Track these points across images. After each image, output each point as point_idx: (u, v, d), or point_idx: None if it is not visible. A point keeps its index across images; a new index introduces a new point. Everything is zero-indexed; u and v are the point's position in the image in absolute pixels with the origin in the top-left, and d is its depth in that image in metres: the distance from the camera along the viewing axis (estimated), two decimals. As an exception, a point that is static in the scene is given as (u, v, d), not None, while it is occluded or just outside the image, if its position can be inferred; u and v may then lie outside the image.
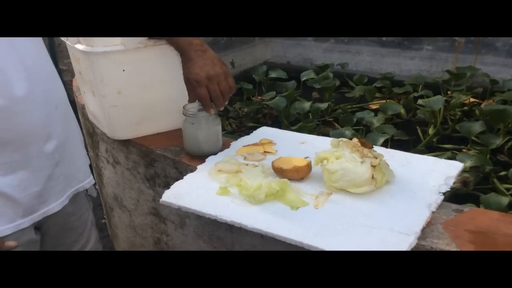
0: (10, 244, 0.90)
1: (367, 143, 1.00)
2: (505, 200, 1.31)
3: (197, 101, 1.12)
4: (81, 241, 1.15)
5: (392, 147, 1.25)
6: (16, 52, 0.86)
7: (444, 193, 0.94)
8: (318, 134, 1.32)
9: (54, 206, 1.01)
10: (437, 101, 1.93)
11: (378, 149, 1.06)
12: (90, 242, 1.18)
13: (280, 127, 1.41)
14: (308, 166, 1.03)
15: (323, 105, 2.04)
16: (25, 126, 0.90)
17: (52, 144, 0.97)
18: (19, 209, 0.93)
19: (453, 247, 0.79)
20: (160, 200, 0.98)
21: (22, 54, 0.87)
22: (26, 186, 0.93)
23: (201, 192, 0.99)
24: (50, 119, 0.96)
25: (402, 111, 2.05)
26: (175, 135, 1.27)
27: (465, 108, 2.09)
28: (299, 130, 1.64)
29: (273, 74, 2.45)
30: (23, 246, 0.94)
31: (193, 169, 1.10)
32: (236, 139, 1.26)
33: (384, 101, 2.19)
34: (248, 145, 1.20)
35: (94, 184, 1.18)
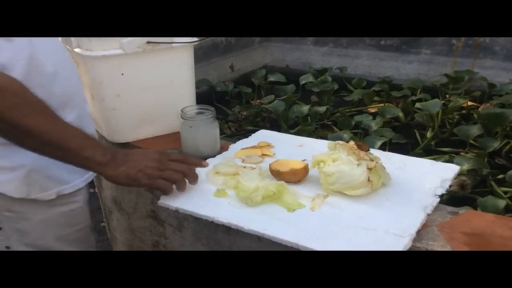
0: (205, 164, 1.04)
1: (364, 146, 1.00)
2: (502, 203, 1.32)
3: (195, 103, 1.13)
4: None
5: (390, 150, 1.25)
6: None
7: (440, 196, 0.95)
8: (316, 138, 1.32)
9: None
10: (435, 105, 1.94)
11: (374, 152, 1.07)
12: None
13: (279, 131, 1.42)
14: (305, 169, 1.03)
15: (322, 109, 2.05)
16: (73, 88, 0.99)
17: (88, 106, 1.07)
18: None
19: (448, 249, 0.80)
20: (158, 202, 0.99)
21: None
22: None
23: (198, 194, 1.00)
24: (80, 84, 1.06)
25: (400, 114, 2.06)
26: (174, 138, 1.28)
27: (463, 111, 2.10)
28: (298, 133, 1.65)
29: (272, 78, 2.46)
30: (85, 202, 1.04)
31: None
32: (235, 142, 1.27)
33: (382, 104, 2.20)
34: (246, 148, 1.21)
35: None
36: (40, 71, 0.88)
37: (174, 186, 0.97)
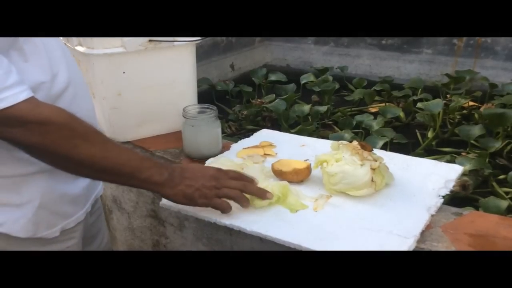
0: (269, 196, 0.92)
1: (367, 146, 1.00)
2: (504, 204, 1.31)
3: (196, 102, 1.12)
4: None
5: (391, 150, 1.25)
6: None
7: (443, 197, 0.94)
8: (317, 137, 1.32)
9: (99, 189, 1.04)
10: (436, 105, 1.93)
11: (378, 152, 1.06)
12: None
13: (279, 130, 1.41)
14: (308, 169, 1.03)
15: (323, 108, 2.04)
16: (86, 108, 0.94)
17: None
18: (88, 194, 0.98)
19: (452, 250, 0.79)
20: (160, 203, 0.98)
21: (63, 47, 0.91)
22: None
23: (200, 194, 0.99)
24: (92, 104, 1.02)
25: (401, 114, 2.05)
26: (175, 137, 1.27)
27: (464, 111, 2.10)
28: (299, 133, 1.64)
29: (272, 77, 2.45)
30: (80, 237, 0.98)
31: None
32: (236, 142, 1.26)
33: (383, 104, 2.19)
34: (248, 147, 1.20)
35: None
36: (58, 83, 0.85)
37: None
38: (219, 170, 0.93)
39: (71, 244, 0.96)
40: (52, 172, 0.84)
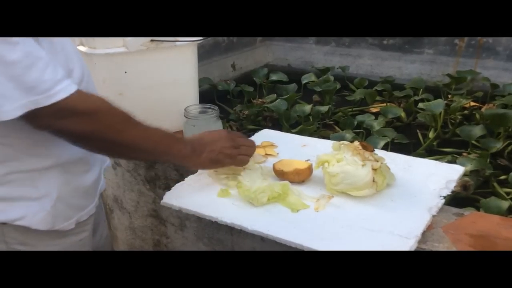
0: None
1: (369, 146, 1.00)
2: (505, 204, 1.31)
3: (198, 102, 1.13)
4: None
5: (392, 150, 1.25)
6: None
7: (444, 197, 0.94)
8: (318, 137, 1.32)
9: (102, 183, 1.07)
10: (437, 105, 1.93)
11: (379, 152, 1.06)
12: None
13: (280, 130, 1.41)
14: (309, 169, 1.03)
15: (324, 108, 2.04)
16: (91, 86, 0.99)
17: None
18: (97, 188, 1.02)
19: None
20: (161, 201, 0.99)
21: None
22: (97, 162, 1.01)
23: (202, 194, 0.99)
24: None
25: (403, 114, 2.05)
26: (176, 137, 1.27)
27: (466, 112, 2.09)
28: (300, 133, 1.64)
29: (274, 77, 2.45)
30: (91, 230, 1.03)
31: (194, 171, 1.10)
32: (237, 142, 1.26)
33: (384, 104, 2.19)
34: (249, 147, 1.20)
35: None
36: (74, 79, 0.88)
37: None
38: (228, 131, 1.04)
39: (84, 237, 1.00)
40: (66, 166, 0.89)
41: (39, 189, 0.87)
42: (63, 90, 0.75)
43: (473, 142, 1.75)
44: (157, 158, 1.00)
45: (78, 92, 0.78)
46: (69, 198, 0.92)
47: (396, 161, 1.08)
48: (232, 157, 0.99)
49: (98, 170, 1.00)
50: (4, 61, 0.71)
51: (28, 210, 0.87)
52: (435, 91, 2.23)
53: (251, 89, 2.30)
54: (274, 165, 1.05)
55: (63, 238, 0.95)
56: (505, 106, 1.97)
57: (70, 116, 0.77)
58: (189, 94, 1.31)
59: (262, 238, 0.89)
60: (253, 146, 1.05)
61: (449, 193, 0.96)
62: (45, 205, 0.88)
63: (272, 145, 1.22)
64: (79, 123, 0.78)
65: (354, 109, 2.21)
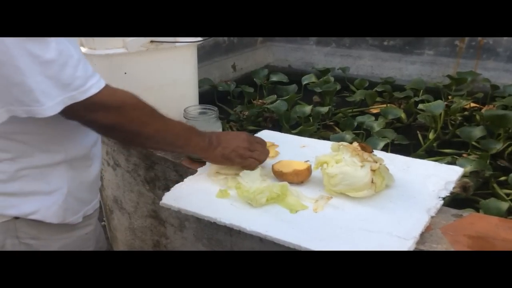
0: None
1: (367, 147, 1.00)
2: (504, 206, 1.31)
3: (198, 103, 1.13)
4: None
5: (392, 151, 1.25)
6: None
7: (443, 198, 0.94)
8: (318, 138, 1.32)
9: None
10: (437, 106, 1.93)
11: (378, 153, 1.06)
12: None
13: (280, 131, 1.41)
14: (308, 170, 1.03)
15: (324, 109, 2.04)
16: None
17: None
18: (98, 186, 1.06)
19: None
20: (160, 202, 0.99)
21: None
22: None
23: (201, 194, 1.00)
24: None
25: (403, 115, 2.05)
26: (176, 137, 1.27)
27: (466, 113, 2.09)
28: (300, 133, 1.64)
29: (274, 78, 2.45)
30: (96, 223, 1.08)
31: (193, 172, 1.11)
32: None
33: (384, 105, 2.19)
34: (249, 148, 1.20)
35: None
36: None
37: None
38: (249, 134, 1.07)
39: (89, 230, 1.04)
40: (72, 162, 0.93)
41: (51, 184, 0.91)
42: (94, 85, 0.81)
43: (473, 143, 1.75)
44: (176, 150, 1.06)
45: (107, 87, 0.83)
46: (77, 192, 0.96)
47: (395, 162, 1.08)
48: (243, 157, 1.02)
49: (98, 166, 1.03)
50: (42, 61, 0.75)
51: (42, 204, 0.90)
52: (435, 92, 2.23)
53: (251, 90, 2.30)
54: (273, 166, 1.05)
55: (71, 232, 0.99)
56: (505, 107, 1.97)
57: (100, 109, 0.82)
58: (189, 95, 1.31)
59: (261, 239, 0.89)
60: (266, 154, 1.07)
61: (448, 194, 0.96)
62: (57, 199, 0.92)
63: (272, 145, 1.22)
64: (107, 116, 0.84)
65: (354, 110, 2.21)
